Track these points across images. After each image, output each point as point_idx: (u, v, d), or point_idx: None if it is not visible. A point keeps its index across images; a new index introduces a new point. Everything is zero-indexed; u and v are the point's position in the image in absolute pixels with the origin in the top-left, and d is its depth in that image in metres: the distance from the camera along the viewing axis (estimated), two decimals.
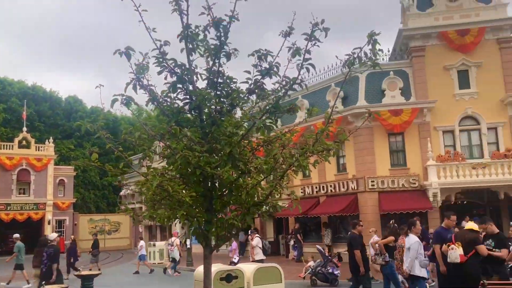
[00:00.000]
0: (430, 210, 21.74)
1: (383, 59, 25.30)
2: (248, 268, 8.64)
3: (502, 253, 8.96)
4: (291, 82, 4.73)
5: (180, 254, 22.26)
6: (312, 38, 4.53)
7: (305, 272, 16.35)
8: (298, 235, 25.12)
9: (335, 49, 76.41)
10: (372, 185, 23.28)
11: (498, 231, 9.89)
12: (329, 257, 16.37)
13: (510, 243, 11.92)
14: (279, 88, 4.84)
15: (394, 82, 23.97)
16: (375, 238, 15.75)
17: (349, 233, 12.22)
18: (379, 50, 4.74)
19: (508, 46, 23.67)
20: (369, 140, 23.76)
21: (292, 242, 26.01)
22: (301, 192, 26.62)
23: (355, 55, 4.72)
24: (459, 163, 22.12)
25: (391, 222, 17.07)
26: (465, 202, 23.52)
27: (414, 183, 23.05)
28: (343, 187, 24.40)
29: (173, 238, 22.74)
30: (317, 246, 18.45)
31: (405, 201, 22.31)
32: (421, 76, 23.92)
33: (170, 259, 22.43)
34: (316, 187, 25.95)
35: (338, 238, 24.53)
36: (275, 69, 4.94)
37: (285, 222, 28.39)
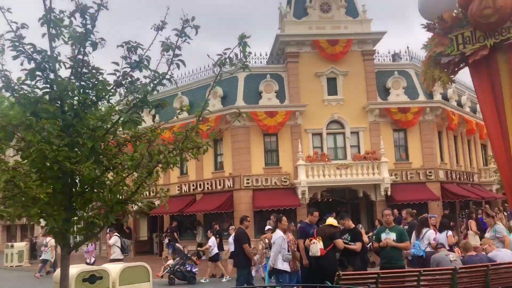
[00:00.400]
0: (299, 207, 23.08)
1: (261, 62, 26.24)
2: (114, 268, 8.30)
3: (357, 246, 9.85)
4: (160, 77, 4.65)
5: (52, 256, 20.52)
6: (183, 35, 4.52)
7: (163, 271, 16.22)
8: (175, 233, 24.85)
9: (221, 48, 77.10)
10: (247, 183, 24.00)
11: (354, 226, 10.87)
12: (188, 255, 16.46)
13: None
14: (147, 82, 4.72)
15: (270, 85, 25.01)
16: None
17: (237, 228, 12.39)
18: (249, 52, 4.88)
19: (370, 58, 26.12)
20: (245, 140, 24.45)
21: (166, 240, 25.64)
22: (178, 190, 26.43)
23: (226, 56, 4.80)
24: (325, 163, 23.82)
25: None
26: (330, 199, 25.42)
27: (286, 181, 24.29)
28: (220, 184, 24.77)
29: (48, 238, 20.87)
30: (177, 244, 18.50)
31: (276, 198, 23.37)
32: (295, 81, 25.28)
33: (41, 260, 20.55)
34: (193, 185, 25.96)
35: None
36: (145, 62, 4.82)
37: (159, 220, 27.91)
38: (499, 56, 4.52)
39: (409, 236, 10.47)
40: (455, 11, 4.67)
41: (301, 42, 25.43)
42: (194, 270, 15.99)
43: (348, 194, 25.59)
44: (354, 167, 23.83)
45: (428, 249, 10.86)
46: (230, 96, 25.32)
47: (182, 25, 4.49)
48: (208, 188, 25.22)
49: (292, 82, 25.29)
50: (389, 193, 23.72)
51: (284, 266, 9.32)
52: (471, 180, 29.47)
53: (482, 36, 4.46)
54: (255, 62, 26.06)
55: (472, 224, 15.15)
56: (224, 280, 16.08)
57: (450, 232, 11.73)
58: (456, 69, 4.81)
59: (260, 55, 26.37)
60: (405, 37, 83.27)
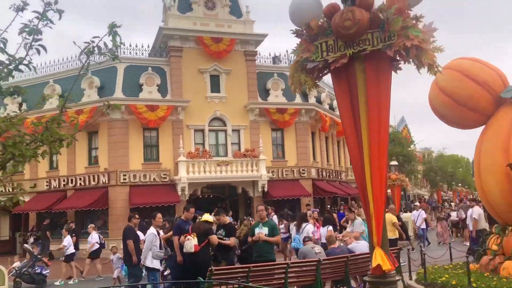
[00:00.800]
0: (178, 203, 22.86)
1: (142, 53, 25.49)
2: None
3: (231, 241, 10.10)
4: (17, 61, 4.24)
5: None
6: (44, 18, 4.17)
7: (9, 274, 14.78)
8: (48, 232, 22.96)
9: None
10: (124, 179, 23.15)
11: (229, 221, 11.12)
12: (39, 256, 15.27)
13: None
14: (2, 67, 4.28)
15: (152, 78, 24.41)
16: (94, 235, 15.64)
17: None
18: (121, 42, 4.68)
19: (252, 59, 26.87)
20: (123, 134, 23.56)
21: (31, 240, 23.60)
22: (47, 185, 24.53)
23: (95, 44, 4.54)
24: (206, 160, 23.96)
25: (176, 217, 17.27)
26: (211, 196, 25.63)
27: (165, 178, 23.93)
28: (94, 180, 23.53)
29: None
30: (25, 245, 17.19)
31: (155, 195, 22.92)
32: (177, 76, 24.98)
33: None
34: (64, 180, 24.27)
35: (85, 234, 23.45)
36: (1, 45, 4.35)
37: (24, 218, 25.58)
38: (357, 65, 4.95)
39: None
40: (321, 20, 5.00)
41: (184, 37, 25.21)
42: (44, 272, 14.70)
43: (227, 190, 26.07)
44: (234, 164, 24.33)
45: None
46: (108, 87, 24.16)
47: (44, 8, 4.15)
48: (80, 183, 23.79)
49: (175, 76, 24.97)
50: (266, 189, 24.66)
51: (154, 264, 9.14)
52: (339, 178, 31.96)
53: (343, 45, 4.84)
54: (136, 53, 25.27)
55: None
56: (71, 282, 15.20)
57: (330, 227, 12.83)
58: (320, 74, 5.15)
59: (142, 46, 25.62)
60: (288, 41, 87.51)
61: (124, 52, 24.78)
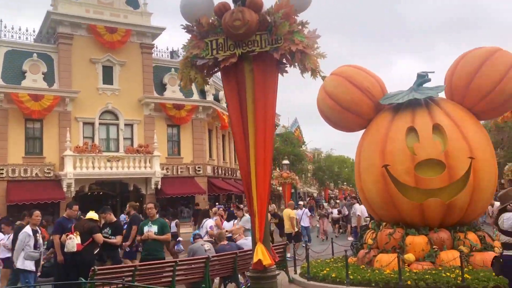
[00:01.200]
0: (63, 200, 21.43)
1: (27, 38, 23.53)
2: None
3: (117, 239, 9.79)
4: None
5: None
6: None
7: None
8: None
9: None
10: (0, 173, 21.17)
11: (116, 219, 10.74)
12: None
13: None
14: None
15: (37, 65, 22.68)
16: None
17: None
18: None
19: (149, 52, 26.15)
20: (2, 124, 21.71)
21: None
22: None
23: None
24: (95, 155, 22.80)
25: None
26: (101, 193, 24.44)
27: (49, 173, 22.38)
28: None
29: None
30: None
31: (37, 191, 21.37)
32: (66, 64, 23.50)
33: None
34: None
35: None
36: None
37: None
38: (246, 65, 5.06)
39: (129, 228, 10.91)
40: (212, 17, 5.01)
41: (75, 24, 23.74)
42: None
43: (118, 187, 25.08)
44: (126, 160, 23.50)
45: (206, 238, 11.61)
46: None
47: None
48: None
49: (63, 65, 23.43)
50: (159, 186, 24.14)
51: (26, 265, 8.57)
52: (235, 175, 32.38)
53: (233, 45, 4.91)
54: (19, 37, 23.23)
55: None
56: None
57: (236, 221, 13.14)
58: (210, 72, 5.18)
59: (27, 30, 23.64)
60: (187, 36, 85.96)
61: (5, 35, 22.68)
